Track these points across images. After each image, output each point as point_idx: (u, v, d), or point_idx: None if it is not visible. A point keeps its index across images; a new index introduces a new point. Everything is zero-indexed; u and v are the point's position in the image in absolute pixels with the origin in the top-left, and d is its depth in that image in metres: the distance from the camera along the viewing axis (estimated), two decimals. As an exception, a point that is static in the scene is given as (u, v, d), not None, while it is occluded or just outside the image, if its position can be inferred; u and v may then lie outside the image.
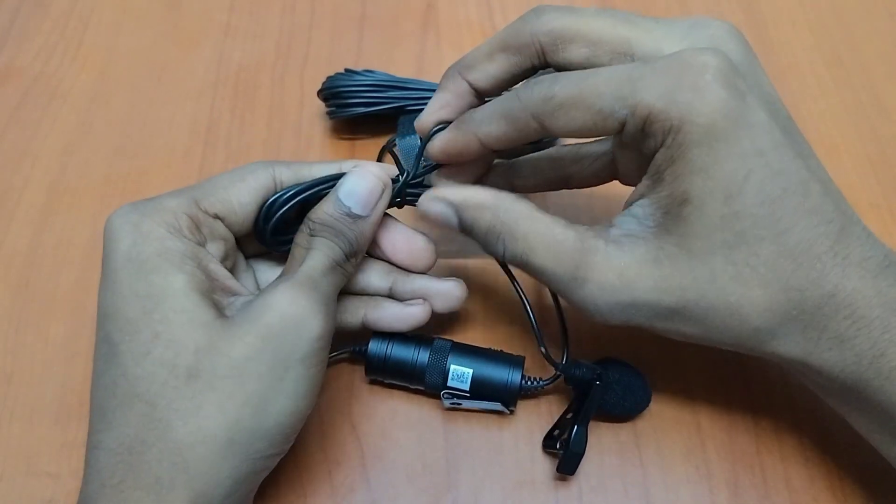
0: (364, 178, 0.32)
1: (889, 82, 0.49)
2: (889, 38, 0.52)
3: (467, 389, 0.34)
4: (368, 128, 0.46)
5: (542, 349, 0.33)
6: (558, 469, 0.33)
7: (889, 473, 0.34)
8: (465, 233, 0.32)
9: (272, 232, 0.33)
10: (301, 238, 0.32)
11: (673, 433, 0.35)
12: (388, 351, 0.35)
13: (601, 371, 0.34)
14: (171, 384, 0.27)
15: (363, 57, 0.51)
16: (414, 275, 0.35)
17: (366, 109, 0.44)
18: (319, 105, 0.47)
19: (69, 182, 0.45)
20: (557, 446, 0.33)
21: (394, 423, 0.36)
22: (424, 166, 0.34)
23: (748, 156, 0.27)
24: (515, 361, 0.35)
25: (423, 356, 0.35)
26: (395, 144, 0.44)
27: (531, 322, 0.34)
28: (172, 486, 0.27)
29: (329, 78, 0.46)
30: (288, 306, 0.28)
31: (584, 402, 0.33)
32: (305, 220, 0.32)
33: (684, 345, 0.36)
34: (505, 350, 0.36)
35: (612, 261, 0.29)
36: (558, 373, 0.34)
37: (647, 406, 0.35)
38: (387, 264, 0.35)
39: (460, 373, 0.35)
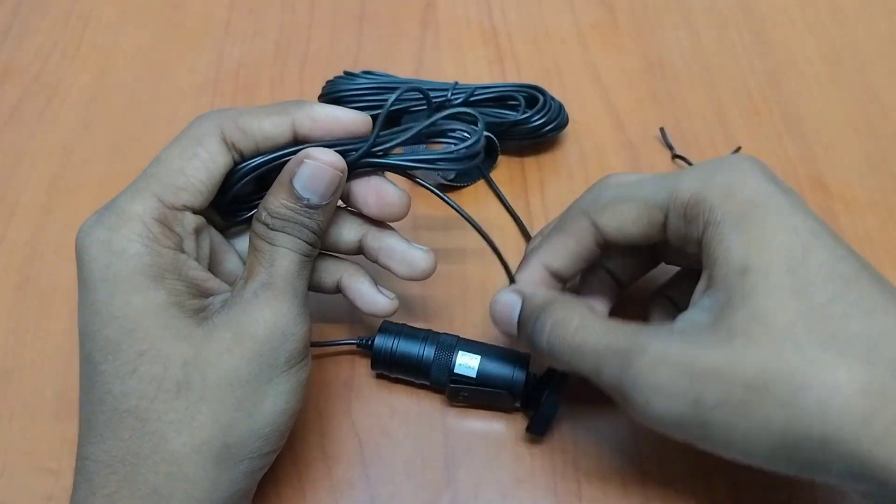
0: (321, 170, 0.30)
1: (887, 81, 0.50)
2: (887, 37, 0.52)
3: (474, 377, 0.35)
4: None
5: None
6: (528, 430, 0.34)
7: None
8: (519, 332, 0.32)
9: (230, 202, 0.32)
10: (261, 230, 0.30)
11: (672, 429, 0.35)
12: (395, 345, 0.35)
13: None
14: (160, 398, 0.27)
15: (362, 55, 0.51)
16: (386, 231, 0.34)
17: (371, 113, 0.44)
18: (319, 103, 0.47)
19: (69, 181, 0.45)
20: (531, 410, 0.34)
21: (393, 420, 0.36)
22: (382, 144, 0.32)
23: (801, 232, 0.27)
24: (522, 357, 0.35)
25: (429, 351, 0.35)
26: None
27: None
28: (171, 496, 0.27)
29: (329, 82, 0.46)
30: (273, 317, 0.29)
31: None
32: (261, 210, 0.30)
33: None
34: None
35: (671, 346, 0.27)
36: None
37: None
38: (358, 216, 0.34)
39: (467, 362, 0.35)
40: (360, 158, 0.32)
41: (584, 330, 0.29)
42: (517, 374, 0.34)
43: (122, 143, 0.47)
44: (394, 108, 0.44)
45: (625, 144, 0.46)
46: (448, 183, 0.43)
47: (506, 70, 0.50)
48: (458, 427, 0.36)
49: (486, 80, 0.49)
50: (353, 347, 0.37)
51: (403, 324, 0.36)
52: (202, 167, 0.30)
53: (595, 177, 0.45)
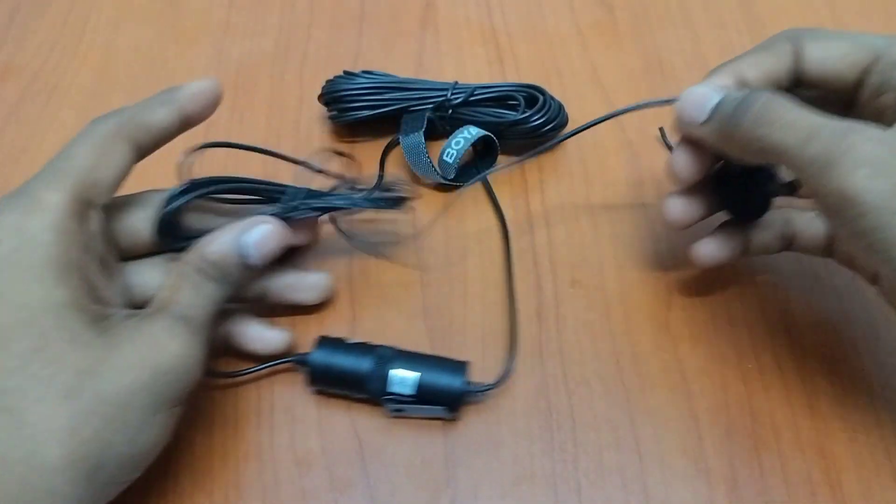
0: (273, 234, 0.32)
1: (886, 81, 0.50)
2: (886, 37, 0.52)
3: (410, 394, 0.34)
4: (368, 128, 0.46)
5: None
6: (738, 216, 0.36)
7: (886, 468, 0.34)
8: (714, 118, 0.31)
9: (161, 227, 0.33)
10: (191, 271, 0.31)
11: (671, 428, 0.35)
12: (331, 360, 0.35)
13: None
14: (47, 401, 0.26)
15: (362, 55, 0.51)
16: (280, 270, 0.36)
17: (369, 113, 0.44)
18: (319, 103, 0.47)
19: (69, 179, 0.45)
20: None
21: (392, 419, 0.36)
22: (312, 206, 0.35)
23: None
24: (459, 366, 0.35)
25: (365, 364, 0.35)
26: (398, 143, 0.44)
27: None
28: None
29: (329, 82, 0.46)
30: (183, 353, 0.29)
31: None
32: (199, 250, 0.31)
33: (680, 339, 0.37)
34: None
35: (889, 136, 0.27)
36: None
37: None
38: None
39: (403, 378, 0.34)
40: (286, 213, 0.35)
41: (799, 109, 0.29)
42: (454, 385, 0.34)
43: (122, 142, 0.47)
44: (393, 107, 0.44)
45: (624, 144, 0.46)
46: (447, 182, 0.43)
47: (505, 70, 0.50)
48: (457, 426, 0.36)
49: (485, 80, 0.49)
50: (291, 365, 0.37)
51: (340, 338, 0.36)
52: (113, 165, 0.30)
53: (595, 177, 0.45)
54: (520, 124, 0.43)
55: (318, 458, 0.35)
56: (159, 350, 0.28)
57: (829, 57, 0.31)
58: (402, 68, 0.49)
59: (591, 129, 0.36)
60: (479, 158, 0.45)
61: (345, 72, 0.47)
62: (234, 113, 0.48)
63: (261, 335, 0.36)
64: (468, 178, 0.44)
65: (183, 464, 0.34)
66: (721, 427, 0.36)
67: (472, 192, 0.44)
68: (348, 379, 0.35)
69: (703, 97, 0.32)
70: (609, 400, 0.36)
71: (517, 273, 0.40)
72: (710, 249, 0.36)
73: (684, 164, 0.34)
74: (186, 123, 0.33)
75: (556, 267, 0.41)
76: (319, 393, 0.36)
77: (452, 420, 0.36)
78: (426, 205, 0.43)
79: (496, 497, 0.34)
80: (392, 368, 0.34)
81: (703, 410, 0.36)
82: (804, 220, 0.36)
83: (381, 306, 0.39)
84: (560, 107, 0.45)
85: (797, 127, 0.28)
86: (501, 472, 0.34)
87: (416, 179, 0.44)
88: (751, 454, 0.35)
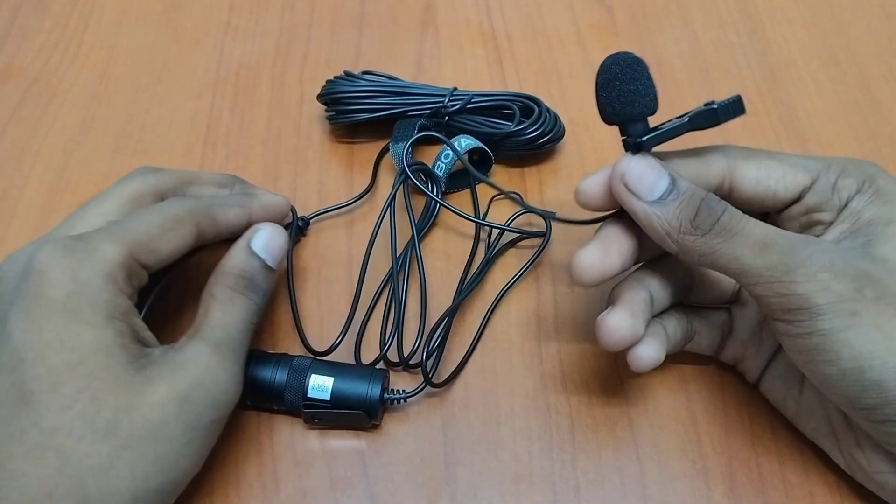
0: (275, 234, 0.35)
1: (885, 81, 0.50)
2: (885, 38, 0.52)
3: (327, 400, 0.34)
4: (367, 129, 0.46)
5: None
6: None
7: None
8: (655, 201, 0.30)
9: None
10: (217, 290, 0.32)
11: (669, 428, 0.36)
12: (247, 372, 0.34)
13: None
14: (87, 439, 0.27)
15: (362, 56, 0.51)
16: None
17: (367, 116, 0.45)
18: (319, 104, 0.47)
19: (70, 181, 0.45)
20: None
21: (392, 418, 0.36)
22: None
23: None
24: (376, 374, 0.35)
25: (281, 375, 0.34)
26: (388, 149, 0.44)
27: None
28: None
29: (329, 82, 0.46)
30: (207, 373, 0.30)
31: None
32: (218, 271, 0.33)
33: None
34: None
35: (842, 246, 0.30)
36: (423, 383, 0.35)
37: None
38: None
39: (320, 384, 0.34)
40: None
41: (752, 219, 0.30)
42: (372, 392, 0.34)
43: (123, 143, 0.47)
44: (390, 112, 0.44)
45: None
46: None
47: (505, 71, 0.50)
48: (457, 425, 0.36)
49: (484, 81, 0.50)
50: None
51: (255, 349, 0.36)
52: (175, 242, 0.32)
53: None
54: (515, 136, 0.43)
55: (318, 458, 0.35)
56: (186, 379, 0.29)
57: (769, 177, 0.32)
58: (401, 69, 0.49)
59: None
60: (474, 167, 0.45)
61: (345, 72, 0.47)
62: (234, 114, 0.48)
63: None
64: (458, 186, 0.44)
65: (184, 463, 0.34)
66: (719, 427, 0.36)
67: (468, 196, 0.44)
68: (264, 391, 0.34)
69: (654, 173, 0.30)
70: (607, 400, 0.37)
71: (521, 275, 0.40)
72: (646, 353, 0.32)
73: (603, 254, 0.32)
74: (249, 226, 0.35)
75: (554, 268, 0.41)
76: (239, 406, 0.34)
77: (373, 427, 0.35)
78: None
79: (495, 496, 0.34)
80: (311, 375, 0.34)
81: (702, 411, 0.36)
82: (700, 317, 0.36)
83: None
84: (556, 119, 0.44)
85: (752, 237, 0.29)
86: (500, 472, 0.34)
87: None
88: (749, 454, 0.35)
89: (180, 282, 0.38)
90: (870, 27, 0.53)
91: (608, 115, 0.32)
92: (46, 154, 0.46)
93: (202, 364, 0.30)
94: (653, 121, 0.32)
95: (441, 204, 0.40)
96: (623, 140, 0.32)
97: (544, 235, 0.41)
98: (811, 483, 0.34)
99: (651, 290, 0.33)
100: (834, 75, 0.50)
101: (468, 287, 0.39)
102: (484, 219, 0.43)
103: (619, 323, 0.31)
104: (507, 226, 0.41)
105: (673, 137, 0.31)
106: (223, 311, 0.32)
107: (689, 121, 0.31)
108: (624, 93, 0.31)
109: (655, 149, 0.31)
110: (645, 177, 0.30)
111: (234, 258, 0.33)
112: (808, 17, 0.54)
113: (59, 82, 0.50)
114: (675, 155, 0.32)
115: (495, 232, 0.42)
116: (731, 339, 0.36)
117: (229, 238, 0.35)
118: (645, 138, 0.31)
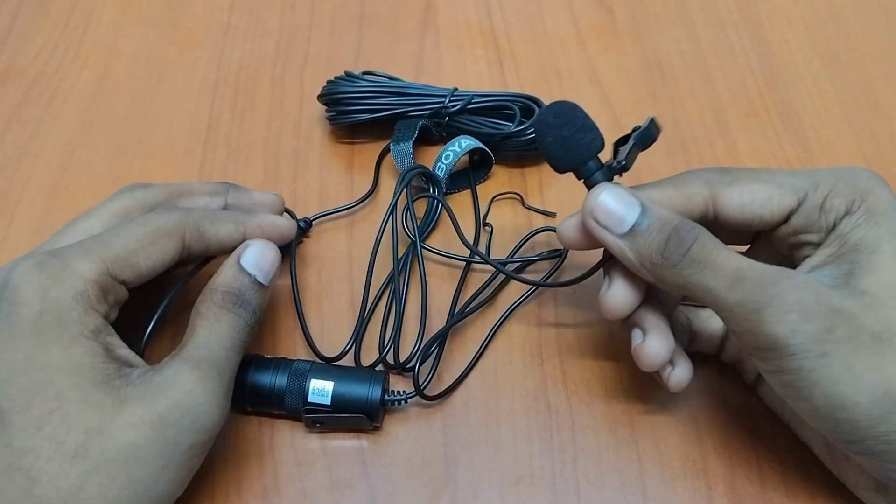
0: (265, 250, 0.33)
1: (885, 81, 0.50)
2: (885, 37, 0.52)
3: (328, 404, 0.34)
4: (368, 130, 0.46)
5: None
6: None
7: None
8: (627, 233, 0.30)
9: None
10: (204, 307, 0.31)
11: (670, 429, 0.36)
12: (245, 377, 0.34)
13: None
14: (56, 461, 0.26)
15: (362, 56, 0.51)
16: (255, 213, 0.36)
17: (368, 116, 0.45)
18: (319, 104, 0.47)
19: (70, 181, 0.45)
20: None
21: (392, 418, 0.36)
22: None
23: None
24: (376, 376, 0.35)
25: (281, 380, 0.34)
26: (388, 150, 0.44)
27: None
28: None
29: (329, 83, 0.46)
30: (186, 395, 0.29)
31: None
32: (207, 288, 0.32)
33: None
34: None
35: (815, 282, 0.28)
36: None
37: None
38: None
39: (320, 388, 0.34)
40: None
41: (725, 250, 0.29)
42: (372, 395, 0.34)
43: (123, 143, 0.47)
44: (391, 112, 0.44)
45: (623, 145, 0.46)
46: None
47: (505, 71, 0.50)
48: (457, 425, 0.36)
49: (485, 81, 0.50)
50: None
51: (255, 354, 0.36)
52: (156, 256, 0.31)
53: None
54: (515, 136, 0.43)
55: (318, 458, 0.35)
56: (163, 401, 0.28)
57: (753, 201, 0.31)
58: (401, 70, 0.49)
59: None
60: (473, 170, 0.45)
61: (346, 73, 0.47)
62: (234, 114, 0.48)
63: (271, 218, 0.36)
64: (457, 187, 0.44)
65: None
66: (720, 427, 0.36)
67: (468, 198, 0.44)
68: (264, 396, 0.34)
69: (626, 204, 0.30)
70: (608, 400, 0.37)
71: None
72: (684, 375, 0.33)
73: (619, 297, 0.32)
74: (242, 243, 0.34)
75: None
76: (239, 412, 0.35)
77: (376, 430, 0.35)
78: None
79: (495, 497, 0.34)
80: (311, 380, 0.34)
81: (701, 410, 0.36)
82: (700, 319, 0.36)
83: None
84: None
85: (725, 268, 0.28)
86: (501, 473, 0.34)
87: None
88: (749, 454, 0.35)
89: (183, 299, 0.38)
90: (870, 27, 0.53)
91: (557, 166, 0.33)
92: (47, 154, 0.46)
93: (181, 385, 0.29)
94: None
95: (447, 210, 0.40)
96: (583, 182, 0.32)
97: (559, 255, 0.40)
98: (812, 485, 0.34)
99: (663, 303, 0.34)
100: (834, 75, 0.50)
101: (462, 314, 0.38)
102: (485, 219, 0.43)
103: (659, 350, 0.32)
104: (515, 258, 0.41)
105: (628, 167, 0.32)
106: (208, 329, 0.31)
107: (633, 145, 0.32)
108: (564, 141, 0.32)
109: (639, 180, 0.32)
110: (613, 210, 0.30)
111: (223, 275, 0.32)
112: (808, 17, 0.54)
113: (59, 82, 0.50)
114: (654, 185, 0.32)
115: (495, 237, 0.42)
116: (729, 339, 0.36)
117: (225, 254, 0.34)
118: (599, 175, 0.32)
